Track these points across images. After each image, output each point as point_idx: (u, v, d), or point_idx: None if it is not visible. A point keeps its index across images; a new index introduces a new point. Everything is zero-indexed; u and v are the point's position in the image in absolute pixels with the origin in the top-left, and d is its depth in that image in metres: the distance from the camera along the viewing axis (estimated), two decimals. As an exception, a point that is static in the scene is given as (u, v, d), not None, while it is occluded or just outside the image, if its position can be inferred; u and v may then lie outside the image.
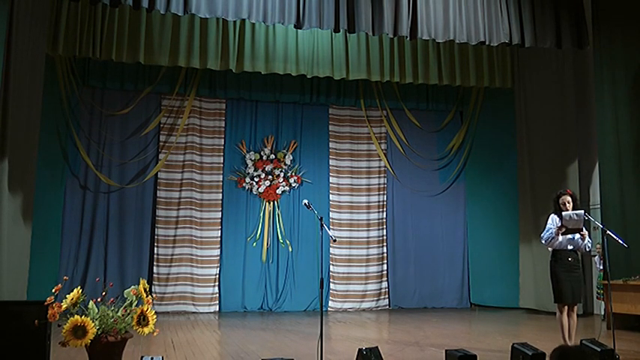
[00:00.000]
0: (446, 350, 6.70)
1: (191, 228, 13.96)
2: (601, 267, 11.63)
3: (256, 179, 14.40)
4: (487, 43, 11.23)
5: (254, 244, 14.28)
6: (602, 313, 11.66)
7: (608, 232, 7.47)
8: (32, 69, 10.28)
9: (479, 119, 15.44)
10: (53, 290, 5.72)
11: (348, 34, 13.02)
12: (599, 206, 11.97)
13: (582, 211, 7.35)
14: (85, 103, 13.56)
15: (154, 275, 13.59)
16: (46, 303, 5.64)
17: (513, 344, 6.87)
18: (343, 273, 14.68)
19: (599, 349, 6.77)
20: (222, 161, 14.41)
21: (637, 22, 11.37)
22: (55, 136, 12.88)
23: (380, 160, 15.31)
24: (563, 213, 7.38)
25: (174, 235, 13.85)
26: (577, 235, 7.45)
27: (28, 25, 9.97)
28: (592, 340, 7.05)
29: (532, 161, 13.87)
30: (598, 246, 11.38)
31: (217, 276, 14.00)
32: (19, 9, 9.54)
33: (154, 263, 13.67)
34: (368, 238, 15.03)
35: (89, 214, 13.47)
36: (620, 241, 7.37)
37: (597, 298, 12.29)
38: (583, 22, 11.74)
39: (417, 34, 10.71)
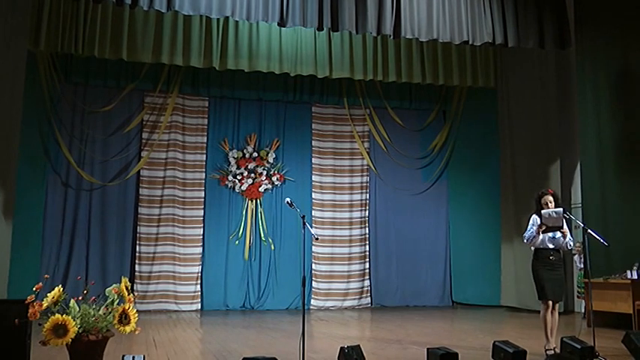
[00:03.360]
0: (427, 348, 6.72)
1: (173, 226, 13.91)
2: (581, 266, 11.73)
3: (239, 177, 14.37)
4: (470, 42, 11.29)
5: (236, 242, 14.25)
6: (583, 310, 11.75)
7: (589, 230, 7.53)
8: (13, 65, 10.22)
9: (462, 118, 15.49)
10: (34, 289, 5.67)
11: (331, 33, 13.01)
12: (580, 205, 12.07)
13: (561, 209, 7.40)
14: (67, 99, 13.45)
15: (136, 273, 13.53)
16: (26, 301, 5.59)
17: (495, 342, 6.90)
18: (325, 271, 14.69)
19: (579, 347, 6.82)
20: (204, 159, 14.37)
21: (619, 23, 11.47)
22: (36, 133, 12.77)
23: (363, 158, 15.33)
24: (543, 211, 7.43)
25: (157, 233, 13.80)
26: (558, 234, 7.49)
27: (9, 20, 9.90)
28: (572, 338, 7.10)
29: (514, 160, 13.95)
30: (578, 244, 11.47)
31: (199, 274, 13.97)
32: (0, 4, 9.47)
33: (136, 261, 13.61)
34: (350, 236, 15.04)
35: (71, 212, 13.37)
36: (600, 239, 7.43)
37: (577, 297, 12.40)
38: (566, 23, 11.82)
39: (401, 33, 10.74)
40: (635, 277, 9.87)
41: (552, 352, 7.25)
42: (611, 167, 11.49)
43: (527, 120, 13.61)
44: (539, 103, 13.31)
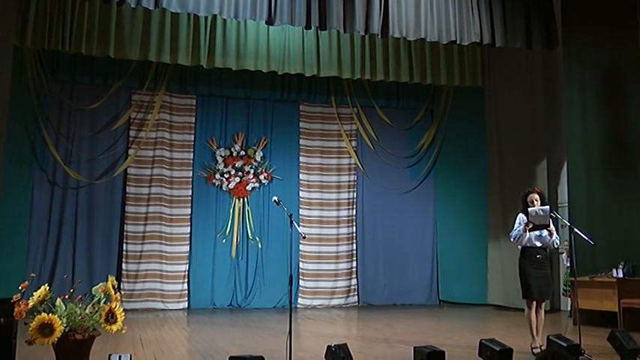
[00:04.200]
0: (414, 347, 6.72)
1: (160, 224, 13.86)
2: (568, 264, 11.79)
3: (226, 176, 14.34)
4: (458, 42, 11.32)
5: (224, 240, 14.22)
6: (569, 309, 11.81)
7: (575, 229, 7.57)
8: (-1, 61, 10.14)
9: (449, 118, 15.51)
10: (20, 287, 5.64)
11: (319, 32, 13.02)
12: (567, 204, 12.13)
13: (548, 207, 7.44)
14: (54, 97, 13.36)
15: (123, 272, 13.46)
16: (12, 300, 5.56)
17: (481, 340, 6.91)
18: (313, 270, 14.68)
19: (565, 344, 6.85)
20: (192, 157, 14.33)
21: (606, 23, 11.52)
22: (23, 131, 12.68)
23: (350, 157, 15.33)
24: (529, 209, 7.47)
25: (144, 232, 13.74)
26: (545, 232, 7.54)
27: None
28: (558, 336, 7.12)
29: (502, 160, 14.00)
30: (565, 243, 11.54)
31: (186, 272, 13.93)
32: (-14, 0, 9.41)
33: (123, 260, 13.55)
34: (338, 235, 15.05)
35: (57, 210, 13.29)
36: (587, 238, 7.47)
37: (563, 294, 12.45)
38: (553, 23, 11.87)
39: (389, 32, 10.75)
40: (620, 275, 9.96)
41: (538, 350, 7.29)
42: (597, 166, 11.56)
43: (515, 119, 13.66)
44: (526, 102, 13.36)
